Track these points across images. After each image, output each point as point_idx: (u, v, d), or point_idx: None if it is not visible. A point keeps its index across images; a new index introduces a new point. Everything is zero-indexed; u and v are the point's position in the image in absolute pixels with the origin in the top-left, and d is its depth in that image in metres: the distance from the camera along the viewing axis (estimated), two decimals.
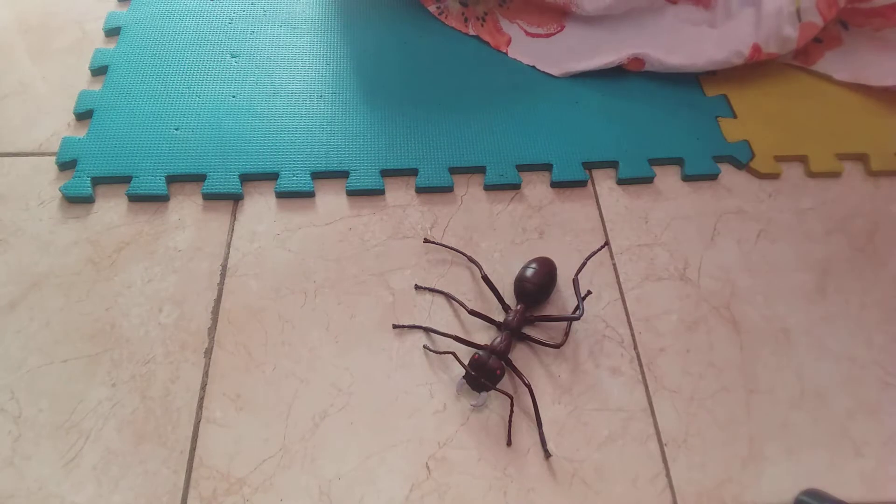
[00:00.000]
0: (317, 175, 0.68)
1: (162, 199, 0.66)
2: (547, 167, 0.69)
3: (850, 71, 0.76)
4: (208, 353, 0.57)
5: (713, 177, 0.69)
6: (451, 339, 0.56)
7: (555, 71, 0.76)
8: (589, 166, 0.70)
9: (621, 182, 0.69)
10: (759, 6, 0.73)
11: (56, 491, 0.50)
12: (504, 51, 0.78)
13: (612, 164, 0.70)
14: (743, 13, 0.74)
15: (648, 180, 0.69)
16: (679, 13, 0.77)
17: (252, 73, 0.75)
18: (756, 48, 0.73)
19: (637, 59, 0.74)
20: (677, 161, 0.70)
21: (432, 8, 0.81)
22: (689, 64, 0.74)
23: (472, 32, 0.80)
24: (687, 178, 0.69)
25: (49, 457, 0.51)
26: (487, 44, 0.79)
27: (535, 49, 0.78)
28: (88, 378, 0.55)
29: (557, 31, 0.78)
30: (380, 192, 0.67)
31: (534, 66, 0.77)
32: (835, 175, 0.70)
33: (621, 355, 0.58)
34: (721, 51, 0.73)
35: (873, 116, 0.74)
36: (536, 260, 0.60)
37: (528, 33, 0.79)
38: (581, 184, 0.69)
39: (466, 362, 0.54)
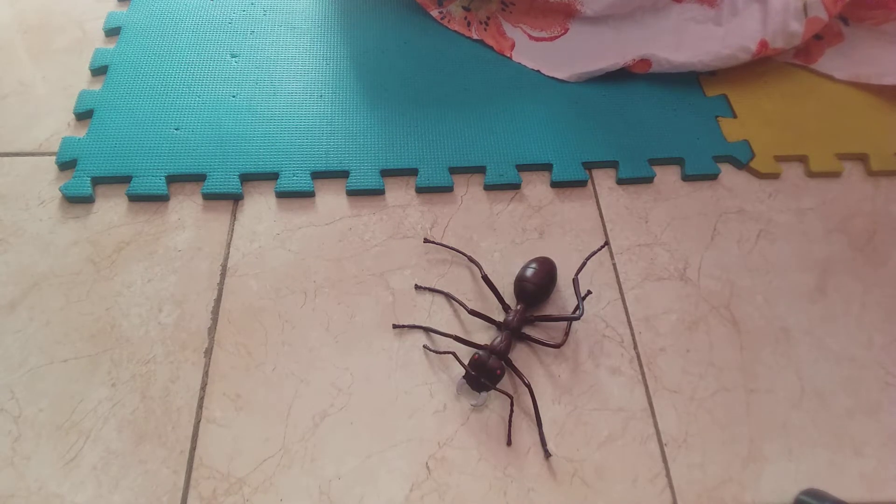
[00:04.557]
0: (317, 175, 0.68)
1: (162, 198, 0.66)
2: (547, 167, 0.69)
3: (851, 69, 0.76)
4: (208, 353, 0.57)
5: (713, 177, 0.69)
6: (451, 339, 0.56)
7: (560, 74, 0.76)
8: (589, 166, 0.70)
9: (621, 182, 0.69)
10: (765, 2, 0.73)
11: (56, 491, 0.50)
12: (508, 55, 0.78)
13: (612, 164, 0.70)
14: (749, 10, 0.74)
15: (648, 180, 0.69)
16: (684, 12, 0.76)
17: (252, 73, 0.75)
18: (763, 44, 0.73)
19: (644, 61, 0.74)
20: (677, 161, 0.70)
21: (434, 13, 0.81)
22: (695, 61, 0.74)
23: (475, 36, 0.79)
24: (687, 178, 0.69)
25: (49, 457, 0.51)
26: (491, 48, 0.79)
27: (540, 53, 0.78)
28: (88, 378, 0.55)
29: (562, 34, 0.78)
30: (380, 192, 0.67)
31: (538, 71, 0.77)
32: (835, 175, 0.70)
33: (621, 355, 0.58)
34: (727, 47, 0.73)
35: (873, 116, 0.74)
36: (536, 260, 0.60)
37: (531, 37, 0.78)
38: (581, 184, 0.69)
39: (466, 362, 0.54)
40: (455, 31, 0.80)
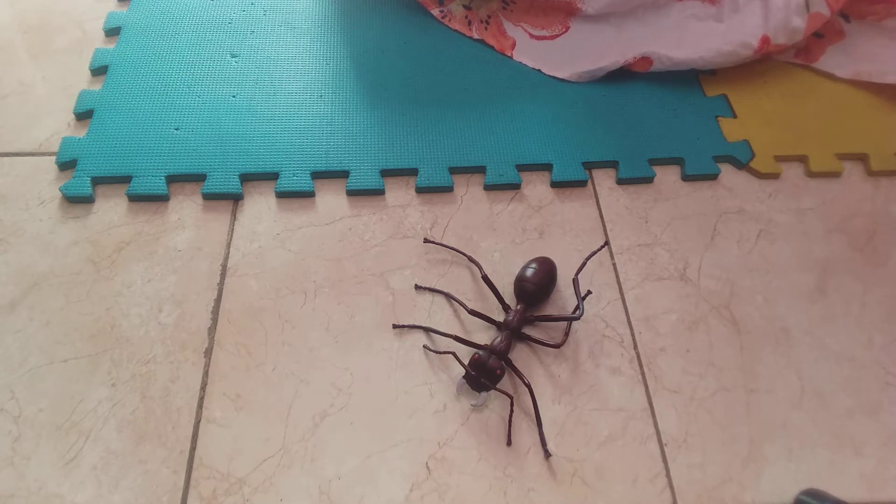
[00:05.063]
0: (317, 175, 0.68)
1: (162, 198, 0.66)
2: (547, 167, 0.69)
3: (852, 67, 0.76)
4: (208, 353, 0.57)
5: (713, 177, 0.69)
6: (451, 339, 0.56)
7: (561, 73, 0.76)
8: (589, 166, 0.70)
9: (621, 182, 0.69)
10: None
11: (56, 491, 0.50)
12: (509, 54, 0.78)
13: (612, 164, 0.70)
14: (750, 6, 0.74)
15: (648, 180, 0.69)
16: (685, 10, 0.76)
17: (252, 73, 0.75)
18: (765, 39, 0.72)
19: (645, 59, 0.74)
20: (677, 161, 0.70)
21: (435, 11, 0.81)
22: (696, 58, 0.73)
23: (476, 36, 0.79)
24: (687, 178, 0.69)
25: (49, 457, 0.51)
26: (492, 48, 0.79)
27: (541, 52, 0.77)
28: (88, 378, 0.55)
29: (562, 33, 0.78)
30: (380, 192, 0.67)
31: (539, 70, 0.77)
32: (835, 175, 0.70)
33: (621, 355, 0.58)
34: (729, 43, 0.73)
35: (874, 116, 0.74)
36: (536, 260, 0.60)
37: (532, 36, 0.78)
38: (581, 184, 0.69)
39: (466, 362, 0.54)
40: (456, 31, 0.80)
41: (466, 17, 0.80)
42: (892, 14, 0.74)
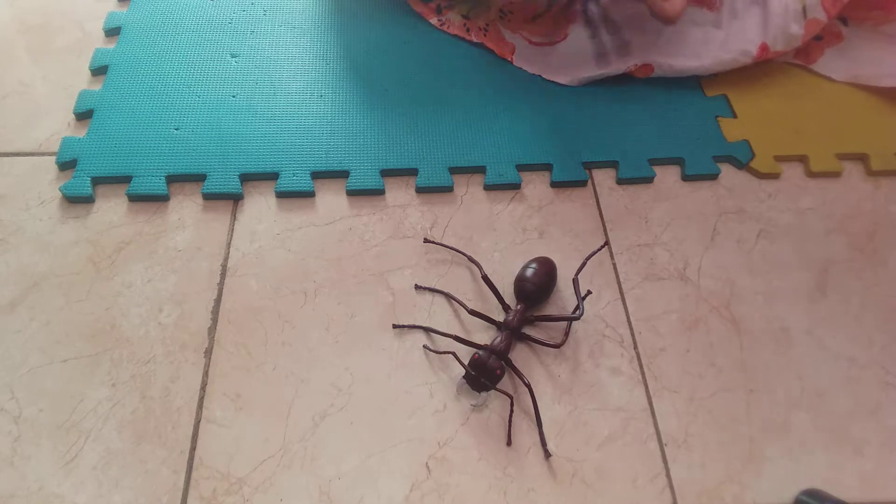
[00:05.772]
0: (317, 175, 0.68)
1: (162, 198, 0.66)
2: (547, 167, 0.69)
3: (850, 70, 0.76)
4: (208, 353, 0.57)
5: (713, 177, 0.69)
6: (451, 339, 0.56)
7: (561, 79, 0.75)
8: (589, 166, 0.70)
9: (621, 182, 0.69)
10: (765, 5, 0.73)
11: (56, 491, 0.50)
12: (509, 59, 0.78)
13: (612, 164, 0.70)
14: (749, 13, 0.74)
15: (648, 180, 0.69)
16: (684, 15, 0.76)
17: (252, 73, 0.75)
18: (764, 47, 0.73)
19: (646, 66, 0.74)
20: (677, 161, 0.70)
21: (433, 20, 0.81)
22: (696, 66, 0.74)
23: (475, 40, 0.79)
24: (687, 178, 0.69)
25: (49, 457, 0.51)
26: (492, 52, 0.79)
27: (540, 57, 0.77)
28: (88, 378, 0.55)
29: (562, 39, 0.78)
30: (380, 192, 0.67)
31: (540, 76, 0.76)
32: (835, 175, 0.70)
33: (621, 355, 0.58)
34: (728, 51, 0.73)
35: (873, 116, 0.74)
36: (536, 260, 0.60)
37: (531, 42, 0.78)
38: (581, 184, 0.69)
39: (466, 362, 0.54)
40: (455, 35, 0.80)
41: (465, 24, 0.80)
42: (889, 19, 0.74)
